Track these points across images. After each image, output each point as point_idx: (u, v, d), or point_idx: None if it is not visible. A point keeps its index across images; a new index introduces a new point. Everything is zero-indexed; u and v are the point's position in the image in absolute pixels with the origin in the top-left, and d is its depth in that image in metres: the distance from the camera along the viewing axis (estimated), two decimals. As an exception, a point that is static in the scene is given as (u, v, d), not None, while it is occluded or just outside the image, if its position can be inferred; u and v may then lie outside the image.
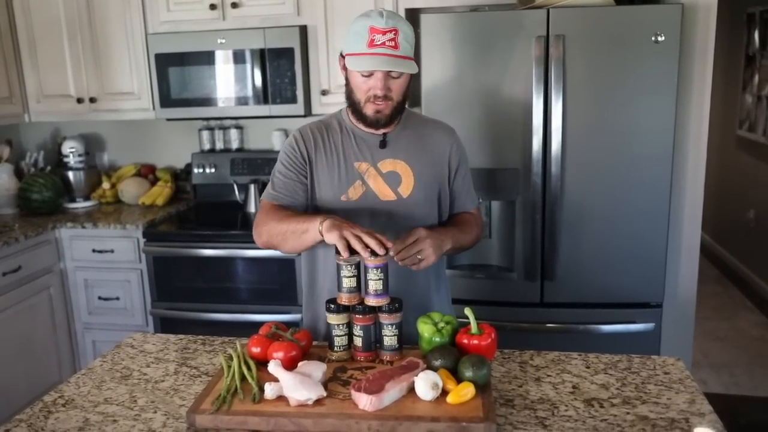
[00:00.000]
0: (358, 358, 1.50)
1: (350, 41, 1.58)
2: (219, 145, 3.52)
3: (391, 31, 1.53)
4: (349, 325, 1.50)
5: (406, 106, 1.71)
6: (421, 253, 1.52)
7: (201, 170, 3.47)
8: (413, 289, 1.69)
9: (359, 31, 1.56)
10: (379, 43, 1.53)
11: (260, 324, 1.58)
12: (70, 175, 3.47)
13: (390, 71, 1.57)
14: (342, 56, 1.63)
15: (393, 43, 1.54)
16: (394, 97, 1.61)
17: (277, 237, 1.61)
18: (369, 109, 1.62)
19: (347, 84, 1.65)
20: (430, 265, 1.56)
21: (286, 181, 1.70)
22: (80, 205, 3.46)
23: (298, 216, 1.60)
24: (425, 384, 1.29)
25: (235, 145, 3.51)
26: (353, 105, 1.65)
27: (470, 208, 1.84)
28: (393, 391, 1.29)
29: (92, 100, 3.30)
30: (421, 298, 1.73)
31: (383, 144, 1.70)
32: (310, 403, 1.29)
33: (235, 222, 3.21)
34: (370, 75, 1.58)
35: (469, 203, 1.83)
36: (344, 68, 1.63)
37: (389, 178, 1.70)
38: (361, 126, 1.70)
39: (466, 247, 1.78)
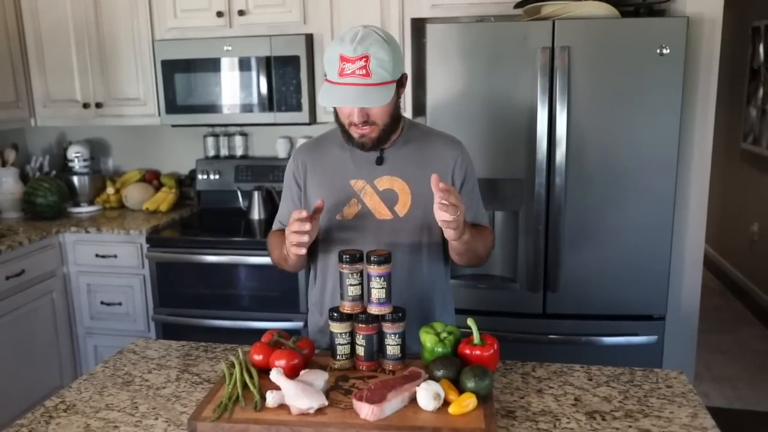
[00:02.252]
0: (360, 367, 1.49)
1: (326, 66, 1.53)
2: (224, 152, 3.53)
3: (361, 59, 1.46)
4: (352, 334, 1.50)
5: (404, 118, 1.68)
6: (453, 208, 1.42)
7: (205, 177, 3.48)
8: (415, 299, 1.68)
9: (331, 58, 1.50)
10: (348, 72, 1.47)
11: (262, 331, 1.58)
12: (75, 179, 3.48)
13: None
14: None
15: (364, 71, 1.47)
16: (378, 122, 1.56)
17: (278, 261, 1.74)
18: (354, 133, 1.58)
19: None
20: (455, 230, 1.47)
21: (288, 211, 1.74)
22: (84, 209, 3.47)
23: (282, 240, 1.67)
24: (427, 394, 1.29)
25: (239, 152, 3.52)
26: (341, 127, 1.61)
27: (477, 223, 1.74)
28: (395, 401, 1.29)
29: (98, 105, 3.31)
30: (423, 308, 1.72)
31: (380, 161, 1.66)
32: (311, 411, 1.29)
33: (238, 229, 3.21)
34: None
35: (476, 218, 1.73)
36: None
37: (385, 196, 1.65)
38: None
39: (476, 253, 1.67)
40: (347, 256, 1.48)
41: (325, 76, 1.56)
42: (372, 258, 1.46)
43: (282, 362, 1.42)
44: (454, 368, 1.38)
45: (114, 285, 3.13)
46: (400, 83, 1.58)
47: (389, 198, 1.66)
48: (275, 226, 1.83)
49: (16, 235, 3.00)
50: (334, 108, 1.61)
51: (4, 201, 3.37)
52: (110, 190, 3.54)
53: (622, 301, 2.51)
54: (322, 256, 1.74)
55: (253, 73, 3.07)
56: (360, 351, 1.49)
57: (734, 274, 5.12)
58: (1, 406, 2.77)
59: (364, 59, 1.47)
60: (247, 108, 3.12)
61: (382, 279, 1.46)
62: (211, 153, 3.52)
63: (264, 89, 3.07)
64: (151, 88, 3.23)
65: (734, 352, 3.92)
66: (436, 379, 1.36)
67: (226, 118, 3.17)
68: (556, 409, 1.39)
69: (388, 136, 1.62)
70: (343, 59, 1.47)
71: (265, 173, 3.40)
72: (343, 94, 1.49)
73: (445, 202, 1.42)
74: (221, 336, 2.85)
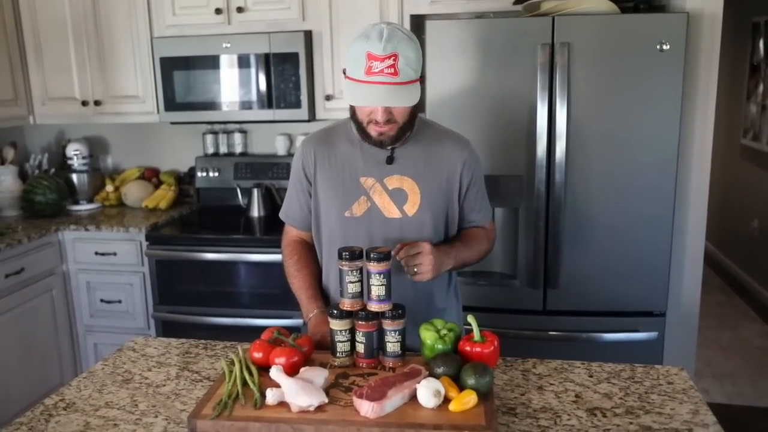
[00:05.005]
0: (361, 364, 1.49)
1: (349, 63, 1.52)
2: (223, 149, 3.52)
3: (389, 57, 1.45)
4: (352, 331, 1.49)
5: (419, 115, 1.67)
6: (419, 267, 1.54)
7: (204, 174, 3.47)
8: (422, 298, 1.69)
9: (357, 56, 1.48)
10: (377, 70, 1.46)
11: (262, 329, 1.58)
12: (74, 177, 3.48)
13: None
14: (345, 74, 1.57)
15: (392, 70, 1.46)
16: (398, 120, 1.56)
17: (287, 275, 1.82)
18: (372, 131, 1.58)
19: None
20: (425, 281, 1.58)
21: (294, 202, 1.78)
22: (83, 207, 3.46)
23: (303, 286, 1.76)
24: (427, 391, 1.29)
25: (238, 149, 3.51)
26: (357, 124, 1.61)
27: (482, 223, 1.78)
28: (395, 399, 1.28)
29: (97, 103, 3.31)
30: (431, 307, 1.72)
31: (390, 160, 1.66)
32: (311, 409, 1.28)
33: (238, 226, 3.21)
34: None
35: (481, 219, 1.77)
36: None
37: (395, 195, 1.66)
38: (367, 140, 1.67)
39: (471, 263, 1.75)
40: (347, 253, 1.47)
41: (344, 72, 1.55)
42: (372, 255, 1.45)
43: (282, 360, 1.42)
44: (455, 365, 1.37)
45: (113, 283, 3.12)
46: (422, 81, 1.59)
47: (399, 197, 1.66)
48: (284, 218, 1.83)
49: (16, 233, 2.99)
50: (351, 105, 1.59)
51: (3, 199, 3.36)
52: (109, 187, 3.53)
53: (623, 297, 2.51)
54: (327, 252, 1.74)
55: (252, 70, 3.06)
56: (360, 348, 1.48)
57: (735, 271, 5.12)
58: (0, 404, 2.77)
59: (392, 58, 1.46)
60: (246, 105, 3.11)
61: (382, 276, 1.45)
62: (210, 150, 3.51)
63: (263, 86, 3.06)
64: (150, 86, 3.22)
65: (735, 348, 3.92)
66: (437, 377, 1.35)
67: (225, 115, 3.16)
68: (557, 406, 1.39)
69: (404, 134, 1.62)
70: (370, 57, 1.46)
71: (264, 170, 3.39)
72: (371, 93, 1.48)
73: (414, 269, 1.55)
74: (221, 333, 2.83)
